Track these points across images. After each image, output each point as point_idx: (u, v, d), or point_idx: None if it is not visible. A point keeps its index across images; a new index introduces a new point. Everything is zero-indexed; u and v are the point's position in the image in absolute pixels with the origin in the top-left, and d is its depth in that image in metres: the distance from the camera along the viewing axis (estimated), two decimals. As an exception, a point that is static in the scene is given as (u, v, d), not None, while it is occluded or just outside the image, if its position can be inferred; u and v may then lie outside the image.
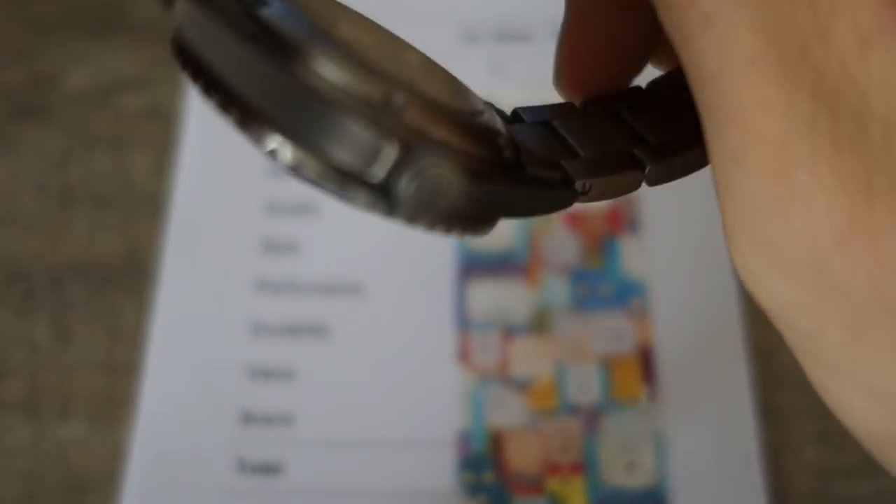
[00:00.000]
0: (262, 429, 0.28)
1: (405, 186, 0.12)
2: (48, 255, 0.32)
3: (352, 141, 0.12)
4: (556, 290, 0.30)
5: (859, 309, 0.12)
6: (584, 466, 0.28)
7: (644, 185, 0.15)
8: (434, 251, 0.31)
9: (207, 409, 0.29)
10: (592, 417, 0.28)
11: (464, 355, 0.29)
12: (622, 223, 0.32)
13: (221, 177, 0.33)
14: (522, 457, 0.28)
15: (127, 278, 0.31)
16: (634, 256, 0.31)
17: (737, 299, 0.30)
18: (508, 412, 0.29)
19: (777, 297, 0.12)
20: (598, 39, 0.17)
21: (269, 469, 0.28)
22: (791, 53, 0.11)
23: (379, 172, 0.12)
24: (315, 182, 0.12)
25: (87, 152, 0.33)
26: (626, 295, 0.30)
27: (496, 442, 0.28)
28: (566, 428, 0.28)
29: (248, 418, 0.29)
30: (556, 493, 0.27)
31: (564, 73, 0.17)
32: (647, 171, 0.15)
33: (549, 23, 0.35)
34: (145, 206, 0.32)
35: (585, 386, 0.29)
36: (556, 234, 0.31)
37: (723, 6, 0.12)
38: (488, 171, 0.13)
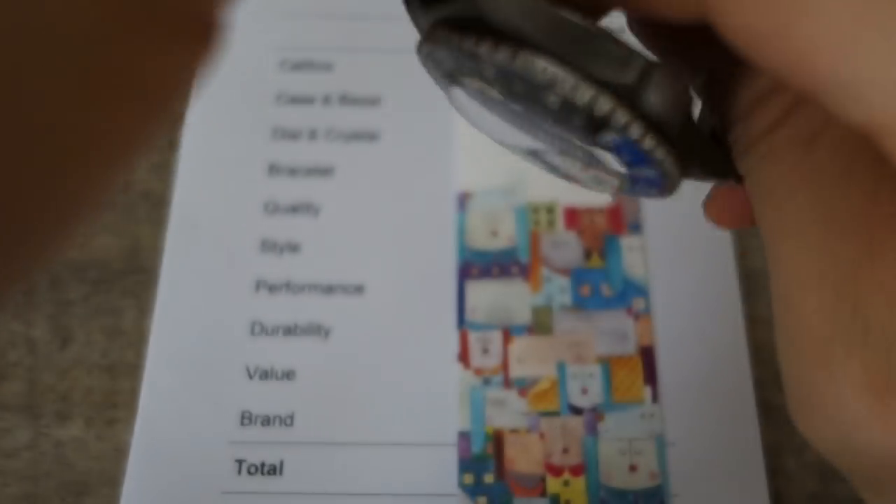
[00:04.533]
0: (261, 429, 0.28)
1: (654, 87, 0.14)
2: (48, 254, 0.31)
3: (608, 56, 0.14)
4: (557, 289, 0.30)
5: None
6: (586, 468, 0.28)
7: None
8: (434, 251, 0.31)
9: (207, 410, 0.29)
10: (594, 418, 0.28)
11: (464, 355, 0.29)
12: (623, 223, 0.31)
13: (221, 177, 0.32)
14: (523, 458, 0.28)
15: (127, 278, 0.31)
16: (636, 256, 0.31)
17: (739, 299, 0.30)
18: (509, 413, 0.28)
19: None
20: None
21: (268, 470, 0.28)
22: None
23: (631, 75, 0.14)
24: (573, 94, 0.14)
25: (87, 152, 0.33)
26: (628, 295, 0.30)
27: (497, 443, 0.28)
28: (567, 429, 0.28)
29: (247, 419, 0.28)
30: (558, 495, 0.27)
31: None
32: None
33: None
34: (145, 205, 0.32)
35: (587, 387, 0.29)
36: (557, 234, 0.31)
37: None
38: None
